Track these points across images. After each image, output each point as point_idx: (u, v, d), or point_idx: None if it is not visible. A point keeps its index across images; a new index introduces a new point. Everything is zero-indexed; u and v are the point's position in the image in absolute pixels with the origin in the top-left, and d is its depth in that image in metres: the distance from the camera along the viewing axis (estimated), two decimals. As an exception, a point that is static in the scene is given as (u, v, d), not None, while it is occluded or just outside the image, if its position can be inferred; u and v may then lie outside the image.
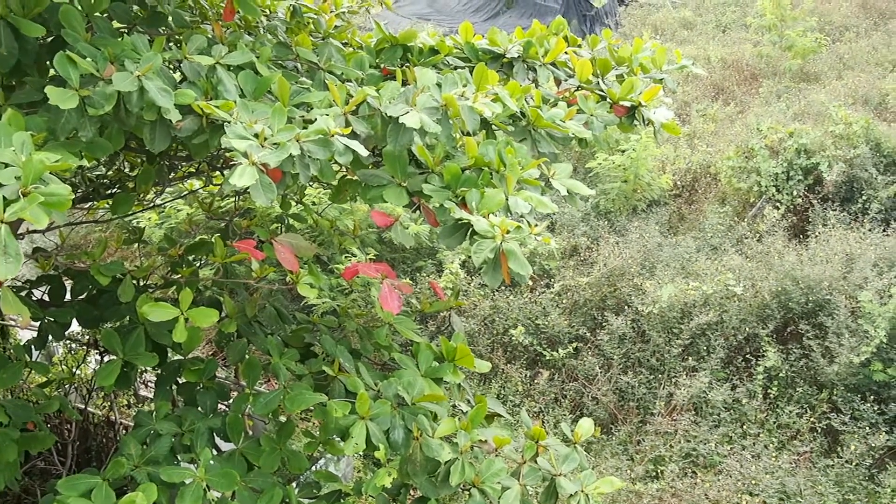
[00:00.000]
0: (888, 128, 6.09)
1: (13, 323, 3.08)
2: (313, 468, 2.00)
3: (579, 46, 2.62)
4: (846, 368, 4.34)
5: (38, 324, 2.15)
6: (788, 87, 7.64)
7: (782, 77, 8.01)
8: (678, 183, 6.37)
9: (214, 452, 1.89)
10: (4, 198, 1.23)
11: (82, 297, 2.17)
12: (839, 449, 4.14)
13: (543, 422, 4.46)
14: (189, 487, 1.63)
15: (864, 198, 5.66)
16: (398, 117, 1.75)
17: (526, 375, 4.70)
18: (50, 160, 1.31)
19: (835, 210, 5.58)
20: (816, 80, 7.87)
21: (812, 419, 4.33)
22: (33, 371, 2.20)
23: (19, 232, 2.05)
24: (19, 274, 1.97)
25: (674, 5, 11.08)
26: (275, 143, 1.55)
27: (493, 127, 2.02)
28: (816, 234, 5.35)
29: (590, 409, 4.57)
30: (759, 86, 7.91)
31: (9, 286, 1.62)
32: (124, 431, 3.06)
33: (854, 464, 4.04)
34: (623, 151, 6.06)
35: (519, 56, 2.45)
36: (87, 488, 1.61)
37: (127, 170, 2.71)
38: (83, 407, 3.06)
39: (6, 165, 1.29)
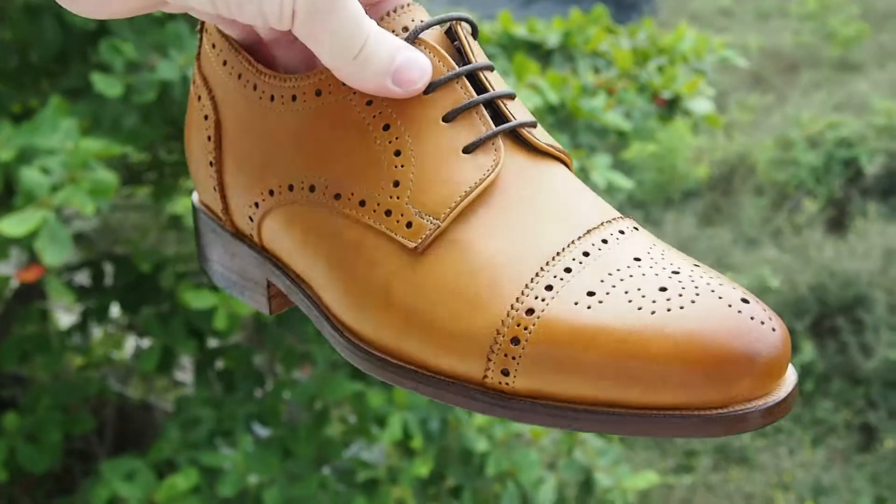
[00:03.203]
0: (931, 120, 5.99)
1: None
2: (346, 455, 2.01)
3: (618, 35, 2.60)
4: (884, 364, 4.29)
5: (76, 308, 2.18)
6: (829, 77, 7.54)
7: (823, 67, 7.90)
8: (714, 174, 6.32)
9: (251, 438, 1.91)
10: (52, 184, 1.25)
11: (123, 283, 2.19)
12: (875, 445, 4.10)
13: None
14: (230, 473, 1.64)
15: (904, 191, 5.58)
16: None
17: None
18: (96, 147, 1.32)
19: (875, 203, 5.50)
20: (858, 70, 7.75)
21: (848, 415, 4.28)
22: (73, 354, 2.23)
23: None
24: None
25: (712, -7, 10.95)
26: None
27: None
28: (855, 227, 5.28)
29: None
30: (799, 76, 7.81)
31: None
32: (162, 415, 3.10)
33: (890, 461, 4.00)
34: (658, 142, 6.02)
35: (558, 45, 2.44)
36: (129, 470, 1.63)
37: (165, 157, 2.73)
38: (121, 390, 3.10)
39: (53, 152, 1.31)
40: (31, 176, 1.28)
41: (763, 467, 3.98)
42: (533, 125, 0.38)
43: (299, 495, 1.69)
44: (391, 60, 0.35)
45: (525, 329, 0.33)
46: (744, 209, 5.84)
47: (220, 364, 2.12)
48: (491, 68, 0.38)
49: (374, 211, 0.36)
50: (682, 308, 0.32)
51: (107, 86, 1.51)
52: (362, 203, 0.37)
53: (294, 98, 0.38)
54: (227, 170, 0.42)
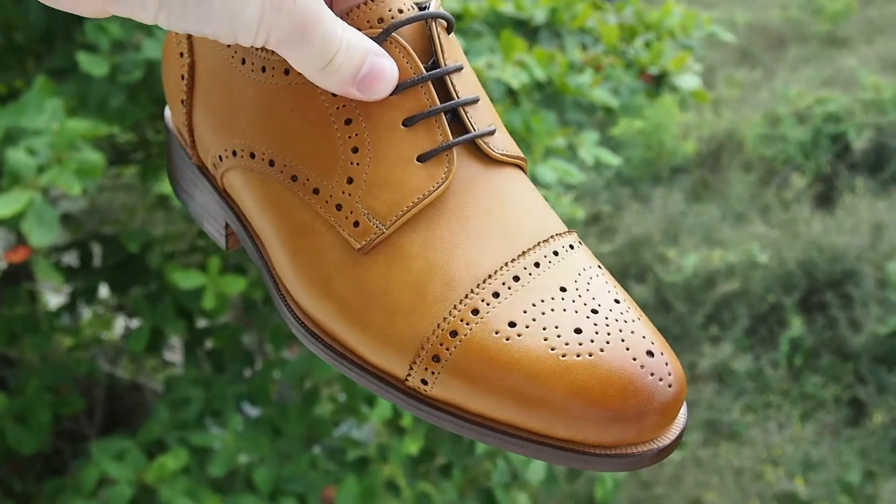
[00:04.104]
0: (919, 95, 5.99)
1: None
2: (336, 434, 2.01)
3: (605, 11, 2.59)
4: (872, 339, 4.32)
5: (65, 289, 2.17)
6: (817, 52, 7.54)
7: (810, 42, 7.90)
8: (702, 150, 6.32)
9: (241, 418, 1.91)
10: (39, 165, 1.24)
11: (111, 263, 2.19)
12: (864, 420, 4.13)
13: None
14: (220, 453, 1.65)
15: (893, 166, 5.59)
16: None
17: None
18: (82, 127, 1.32)
19: (863, 178, 5.52)
20: (846, 45, 7.75)
21: (837, 390, 4.31)
22: (62, 335, 2.23)
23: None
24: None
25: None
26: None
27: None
28: (844, 202, 5.29)
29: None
30: (787, 51, 7.81)
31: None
32: (152, 395, 3.10)
33: (879, 435, 4.03)
34: (646, 118, 6.02)
35: (545, 22, 2.43)
36: (118, 451, 1.63)
37: (152, 136, 2.72)
38: (110, 371, 3.10)
39: (39, 132, 1.30)
40: (17, 157, 1.27)
41: (752, 442, 4.01)
42: (491, 133, 0.39)
43: (289, 474, 1.69)
44: (357, 71, 0.36)
45: (447, 349, 0.35)
46: (732, 185, 5.85)
47: (209, 344, 2.12)
48: (459, 69, 0.39)
49: (327, 202, 0.37)
50: (590, 355, 0.34)
51: (92, 65, 1.50)
52: (316, 191, 0.38)
53: (263, 69, 0.38)
54: (197, 112, 0.43)
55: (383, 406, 1.71)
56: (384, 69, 0.36)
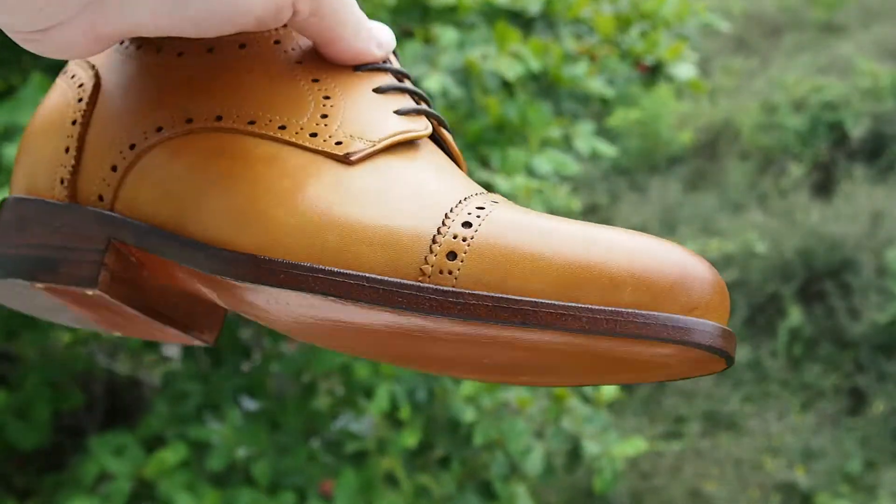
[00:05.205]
0: (916, 82, 5.99)
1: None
2: (334, 427, 2.02)
3: (600, 1, 2.58)
4: (871, 327, 4.32)
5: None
6: (813, 39, 7.53)
7: (807, 29, 7.88)
8: (699, 139, 6.32)
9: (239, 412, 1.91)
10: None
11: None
12: (864, 409, 4.14)
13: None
14: (218, 446, 1.65)
15: (890, 154, 5.59)
16: (417, 80, 1.74)
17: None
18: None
19: (861, 166, 5.52)
20: (842, 33, 7.73)
21: (836, 379, 4.32)
22: (60, 331, 2.23)
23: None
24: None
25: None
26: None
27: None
28: (841, 190, 5.29)
29: (611, 367, 4.58)
30: (783, 39, 7.80)
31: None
32: (151, 390, 3.10)
33: (880, 424, 4.04)
34: (642, 108, 6.01)
35: (540, 12, 2.42)
36: (117, 446, 1.63)
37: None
38: (109, 366, 3.10)
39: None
40: (13, 154, 1.27)
41: (752, 432, 4.01)
42: (451, 131, 0.38)
43: (288, 467, 1.70)
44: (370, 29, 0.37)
45: (470, 226, 0.31)
46: (729, 174, 5.84)
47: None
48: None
49: (297, 133, 0.34)
50: (622, 233, 0.31)
51: (84, 61, 1.50)
52: (283, 127, 0.35)
53: (211, 50, 0.37)
54: (96, 124, 0.38)
55: (380, 398, 1.71)
56: (381, 26, 0.38)
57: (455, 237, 0.30)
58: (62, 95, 0.39)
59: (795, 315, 4.39)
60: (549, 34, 2.37)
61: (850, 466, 3.81)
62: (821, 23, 7.82)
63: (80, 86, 0.39)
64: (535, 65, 1.95)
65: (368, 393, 1.81)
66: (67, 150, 0.37)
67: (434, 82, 1.70)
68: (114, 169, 0.36)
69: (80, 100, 0.38)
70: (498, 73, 1.83)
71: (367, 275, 0.30)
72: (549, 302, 0.29)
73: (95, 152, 0.37)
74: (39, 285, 0.35)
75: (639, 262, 0.29)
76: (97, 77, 0.39)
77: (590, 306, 0.29)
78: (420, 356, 0.35)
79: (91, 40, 0.32)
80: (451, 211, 0.31)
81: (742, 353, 4.25)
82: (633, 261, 0.29)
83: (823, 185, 5.60)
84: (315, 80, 0.36)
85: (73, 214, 0.36)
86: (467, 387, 1.88)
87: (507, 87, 1.94)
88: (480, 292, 0.29)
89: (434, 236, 0.30)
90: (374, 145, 0.34)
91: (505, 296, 0.29)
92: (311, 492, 1.70)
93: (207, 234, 0.33)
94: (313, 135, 0.34)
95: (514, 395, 1.96)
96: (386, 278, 0.30)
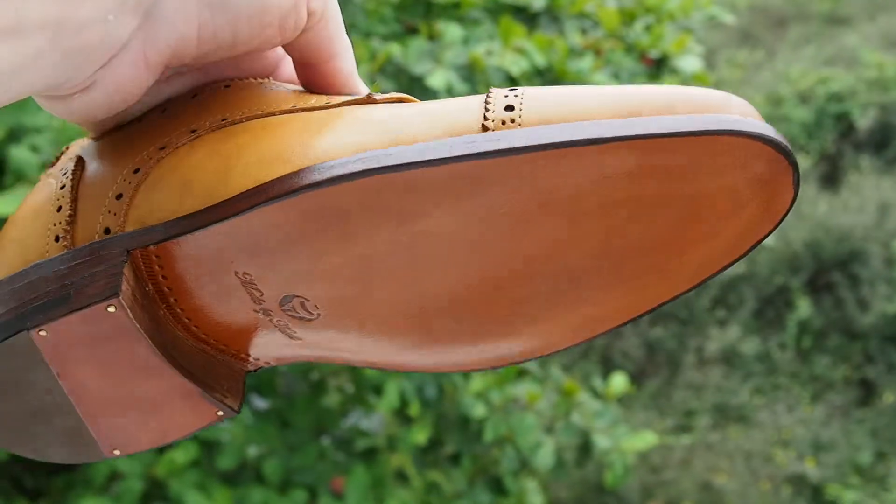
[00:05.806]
0: (923, 72, 5.97)
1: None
2: (344, 424, 2.02)
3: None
4: (881, 318, 4.31)
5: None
6: (818, 31, 7.50)
7: (812, 21, 7.86)
8: (707, 133, 6.27)
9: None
10: (42, 162, 1.24)
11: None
12: (874, 400, 4.13)
13: (571, 376, 4.48)
14: (229, 445, 1.65)
15: (897, 144, 5.58)
16: (422, 77, 1.74)
17: (555, 329, 4.71)
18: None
19: (868, 157, 5.50)
20: (847, 23, 7.70)
21: (846, 370, 4.31)
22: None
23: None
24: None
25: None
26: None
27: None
28: (849, 182, 5.28)
29: (619, 362, 4.58)
30: (788, 30, 7.77)
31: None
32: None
33: (890, 415, 4.03)
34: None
35: (544, 7, 2.42)
36: (127, 447, 1.64)
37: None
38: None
39: (41, 130, 1.30)
40: (20, 155, 1.27)
41: (762, 425, 4.00)
42: None
43: (299, 465, 1.70)
44: None
45: (512, 109, 0.30)
46: (736, 168, 5.82)
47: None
48: None
49: (310, 103, 0.35)
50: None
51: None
52: (293, 106, 0.35)
53: (195, 96, 0.37)
54: (87, 178, 0.36)
55: (390, 395, 1.71)
56: None
57: (504, 122, 0.30)
58: (46, 186, 0.37)
59: (804, 307, 4.38)
60: (553, 29, 2.37)
61: (860, 458, 3.80)
62: (826, 14, 7.79)
63: (64, 172, 0.37)
64: (540, 60, 1.95)
65: (378, 390, 1.81)
66: (60, 209, 0.35)
67: (439, 78, 1.70)
68: (118, 197, 0.34)
69: (65, 173, 0.37)
70: (503, 68, 1.83)
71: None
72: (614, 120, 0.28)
73: (93, 192, 0.35)
74: (42, 332, 0.32)
75: (683, 93, 0.29)
76: (79, 158, 0.37)
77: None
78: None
79: (143, 69, 0.31)
80: (486, 101, 0.31)
81: (751, 346, 4.25)
82: (679, 91, 0.29)
83: (831, 177, 5.59)
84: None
85: (79, 251, 0.34)
86: (477, 382, 1.87)
87: (512, 82, 1.94)
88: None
89: (484, 114, 0.30)
90: (370, 92, 0.34)
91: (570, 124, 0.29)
92: (322, 489, 1.70)
93: (246, 186, 0.32)
94: (327, 103, 0.35)
95: (523, 390, 1.96)
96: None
